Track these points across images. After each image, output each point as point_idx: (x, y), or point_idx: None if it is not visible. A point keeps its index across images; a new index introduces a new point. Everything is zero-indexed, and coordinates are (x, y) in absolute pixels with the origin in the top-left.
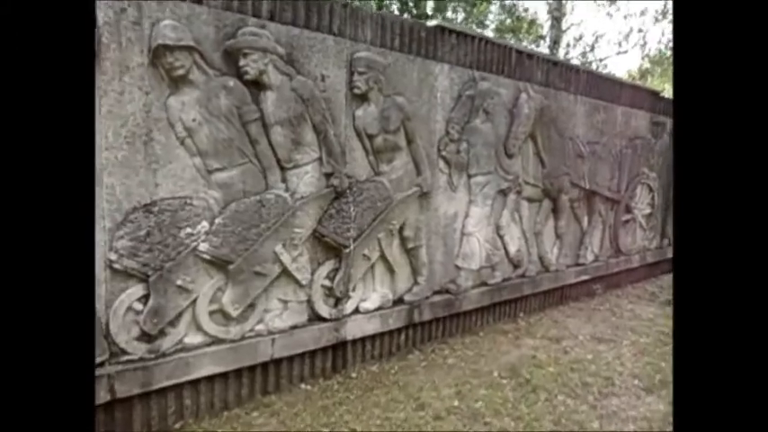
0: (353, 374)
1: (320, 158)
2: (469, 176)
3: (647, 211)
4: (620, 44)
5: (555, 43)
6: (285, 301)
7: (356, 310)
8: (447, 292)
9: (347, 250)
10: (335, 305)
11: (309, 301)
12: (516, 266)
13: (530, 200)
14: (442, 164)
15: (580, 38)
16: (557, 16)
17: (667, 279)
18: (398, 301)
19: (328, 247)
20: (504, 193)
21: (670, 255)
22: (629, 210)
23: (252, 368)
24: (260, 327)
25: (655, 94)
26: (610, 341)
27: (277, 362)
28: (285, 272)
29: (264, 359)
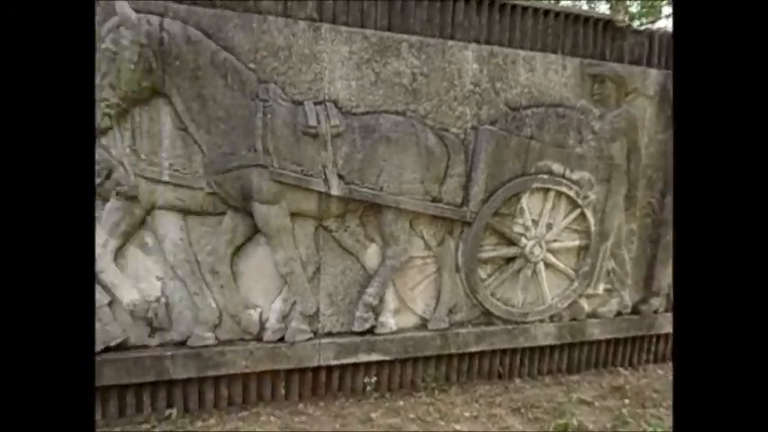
0: None
1: None
2: None
3: (575, 242)
4: None
5: None
6: None
7: None
8: None
9: None
10: None
11: None
12: (155, 329)
13: (184, 211)
14: None
15: None
16: None
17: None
18: None
19: None
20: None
21: (662, 329)
22: (510, 240)
23: None
24: None
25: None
26: None
27: None
28: None
29: None
